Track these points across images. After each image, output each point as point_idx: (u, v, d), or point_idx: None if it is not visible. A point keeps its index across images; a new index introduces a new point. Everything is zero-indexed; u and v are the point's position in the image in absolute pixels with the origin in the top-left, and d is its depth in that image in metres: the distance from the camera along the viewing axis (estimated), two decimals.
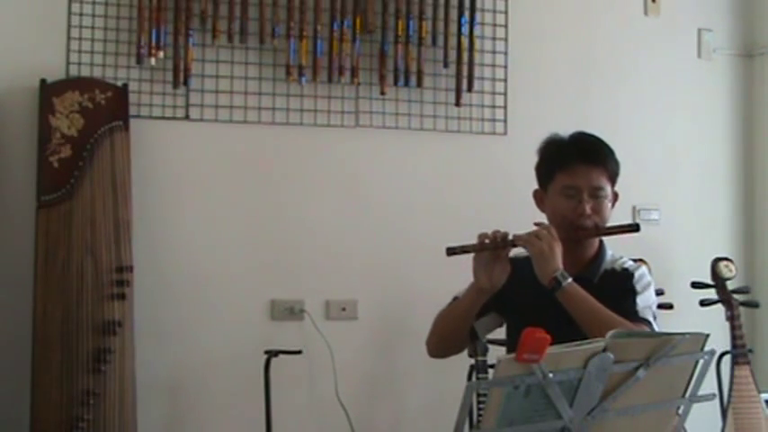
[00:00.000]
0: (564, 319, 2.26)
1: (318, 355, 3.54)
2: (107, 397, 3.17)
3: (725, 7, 4.29)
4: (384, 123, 3.72)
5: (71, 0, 3.41)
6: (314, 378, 3.58)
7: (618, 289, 2.41)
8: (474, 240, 2.40)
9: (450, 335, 2.50)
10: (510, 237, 2.37)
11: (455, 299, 2.53)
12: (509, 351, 2.47)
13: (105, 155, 3.31)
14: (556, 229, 2.39)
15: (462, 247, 2.40)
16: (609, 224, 2.47)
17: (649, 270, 3.68)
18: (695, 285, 3.76)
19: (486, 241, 2.37)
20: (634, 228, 2.43)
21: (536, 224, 2.41)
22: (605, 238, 2.53)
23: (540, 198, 2.53)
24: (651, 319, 2.39)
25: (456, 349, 2.57)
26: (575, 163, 2.43)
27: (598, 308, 2.28)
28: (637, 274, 2.45)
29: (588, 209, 2.41)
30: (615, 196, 2.50)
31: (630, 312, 2.35)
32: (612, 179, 2.48)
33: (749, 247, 4.26)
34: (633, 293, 2.40)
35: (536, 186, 2.56)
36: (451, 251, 2.42)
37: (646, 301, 2.41)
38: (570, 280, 2.30)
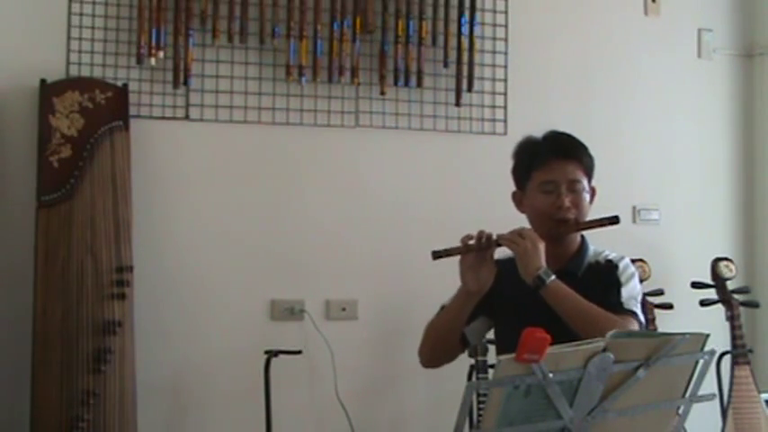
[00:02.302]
0: (553, 317, 2.26)
1: (318, 355, 3.54)
2: (107, 397, 3.17)
3: (725, 7, 4.29)
4: (384, 123, 3.72)
5: (71, 0, 3.41)
6: (314, 378, 3.58)
7: (602, 281, 2.43)
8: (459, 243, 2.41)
9: (442, 342, 2.51)
10: (494, 237, 2.39)
11: (442, 308, 2.53)
12: (499, 353, 2.48)
13: (105, 155, 3.31)
14: (537, 227, 2.42)
15: (447, 250, 2.42)
16: (589, 218, 2.48)
17: (649, 274, 3.74)
18: (695, 285, 3.76)
19: (471, 242, 2.39)
20: (614, 220, 2.43)
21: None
22: (588, 235, 2.54)
23: (518, 199, 2.55)
24: (636, 309, 2.41)
25: (449, 357, 2.58)
26: (550, 159, 2.46)
27: (583, 303, 2.30)
28: (621, 266, 2.46)
29: (567, 202, 2.43)
30: (593, 191, 2.52)
31: (615, 305, 2.37)
32: (588, 173, 2.50)
33: (749, 247, 4.26)
34: (617, 285, 2.42)
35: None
36: (437, 255, 2.43)
37: (630, 291, 2.43)
38: (554, 277, 2.31)
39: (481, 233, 2.39)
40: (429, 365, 2.57)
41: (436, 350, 2.54)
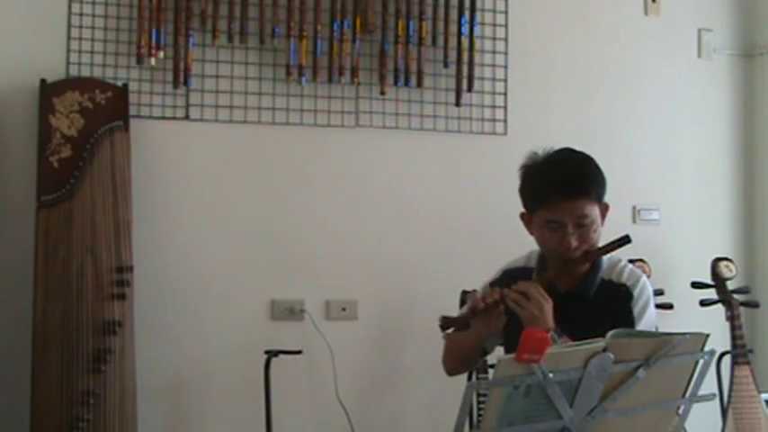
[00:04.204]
0: (557, 321, 2.24)
1: (318, 355, 3.54)
2: (107, 397, 3.17)
3: (725, 7, 4.29)
4: (384, 123, 3.72)
5: (71, 0, 3.41)
6: (314, 378, 3.58)
7: (614, 307, 2.33)
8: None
9: (463, 363, 2.60)
10: (504, 292, 2.31)
11: (443, 318, 2.43)
12: (507, 351, 2.47)
13: (105, 155, 3.31)
14: (546, 257, 2.39)
15: (455, 319, 2.40)
16: (600, 244, 2.36)
17: (649, 274, 3.73)
18: (695, 285, 3.76)
19: (481, 306, 2.32)
20: (625, 241, 2.32)
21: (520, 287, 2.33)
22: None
23: (527, 221, 2.43)
24: None
25: (471, 368, 2.81)
26: (556, 199, 2.31)
27: None
28: (635, 294, 2.35)
29: (574, 241, 2.31)
30: (605, 209, 2.40)
31: None
32: (599, 200, 2.37)
33: (749, 247, 4.26)
34: (631, 321, 2.30)
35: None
36: (445, 326, 2.39)
37: (644, 328, 2.31)
38: (563, 338, 2.20)
39: (486, 298, 2.32)
40: (452, 375, 2.63)
41: (459, 367, 2.61)
